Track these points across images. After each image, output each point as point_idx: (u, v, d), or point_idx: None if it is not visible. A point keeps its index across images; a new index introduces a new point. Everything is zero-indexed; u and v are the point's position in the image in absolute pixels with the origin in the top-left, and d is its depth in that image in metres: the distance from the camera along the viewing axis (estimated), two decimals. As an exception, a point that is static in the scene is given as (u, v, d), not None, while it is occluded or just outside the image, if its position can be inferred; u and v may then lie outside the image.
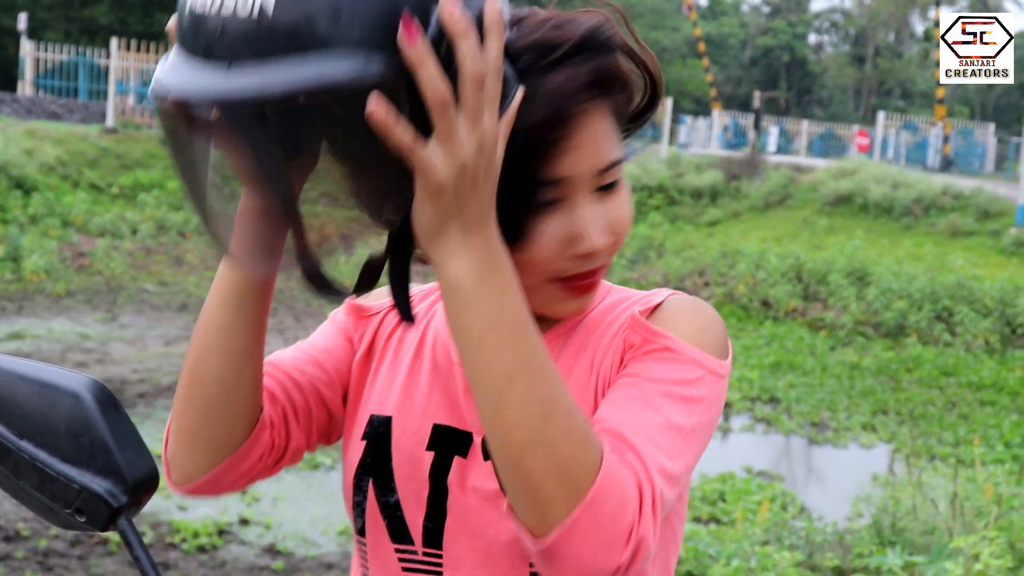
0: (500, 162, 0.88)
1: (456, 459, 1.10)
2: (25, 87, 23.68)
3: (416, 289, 1.24)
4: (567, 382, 1.04)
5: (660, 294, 1.11)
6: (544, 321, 1.10)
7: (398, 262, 0.94)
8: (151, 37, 27.91)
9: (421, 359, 1.17)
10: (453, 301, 0.88)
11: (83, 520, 0.78)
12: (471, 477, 1.09)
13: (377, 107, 0.80)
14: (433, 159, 0.83)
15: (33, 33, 26.79)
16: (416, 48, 0.80)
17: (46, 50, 24.06)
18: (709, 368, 1.02)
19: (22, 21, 24.94)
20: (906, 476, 6.04)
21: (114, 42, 22.24)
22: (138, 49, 23.13)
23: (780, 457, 7.86)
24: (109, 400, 0.79)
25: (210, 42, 0.82)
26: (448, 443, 1.11)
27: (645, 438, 0.94)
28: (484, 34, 0.84)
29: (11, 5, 33.60)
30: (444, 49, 0.82)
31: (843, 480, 7.13)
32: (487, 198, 0.87)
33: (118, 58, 22.08)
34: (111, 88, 21.45)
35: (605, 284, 1.15)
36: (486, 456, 1.07)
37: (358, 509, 1.14)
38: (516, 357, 0.87)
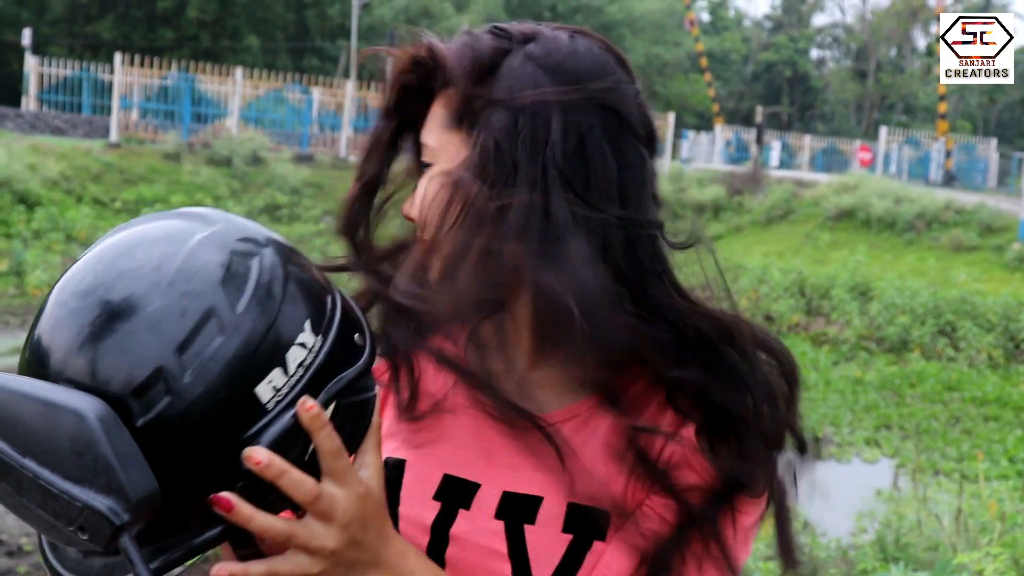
0: (380, 488, 0.92)
1: (460, 512, 1.08)
2: (29, 102, 23.77)
3: None
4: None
5: None
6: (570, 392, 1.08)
7: None
8: (155, 52, 28.02)
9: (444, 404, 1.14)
10: None
11: (85, 538, 0.78)
12: (474, 532, 1.07)
13: (221, 571, 0.86)
14: (302, 566, 0.88)
15: (37, 48, 26.89)
16: (237, 514, 0.84)
17: (50, 65, 24.14)
18: None
19: (26, 37, 25.05)
20: (910, 491, 6.04)
21: (118, 57, 22.32)
22: (142, 64, 23.21)
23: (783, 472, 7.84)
24: (112, 418, 0.78)
25: None
26: (456, 495, 1.08)
27: None
28: (310, 435, 0.86)
29: (15, 21, 33.74)
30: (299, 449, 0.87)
31: (847, 495, 7.10)
32: (374, 540, 0.91)
33: (122, 73, 22.16)
34: (115, 103, 21.53)
35: None
36: (498, 515, 1.05)
37: None
38: None
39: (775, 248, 18.31)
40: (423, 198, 1.06)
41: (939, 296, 12.95)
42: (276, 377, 0.84)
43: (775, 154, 31.00)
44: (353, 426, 0.90)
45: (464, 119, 1.04)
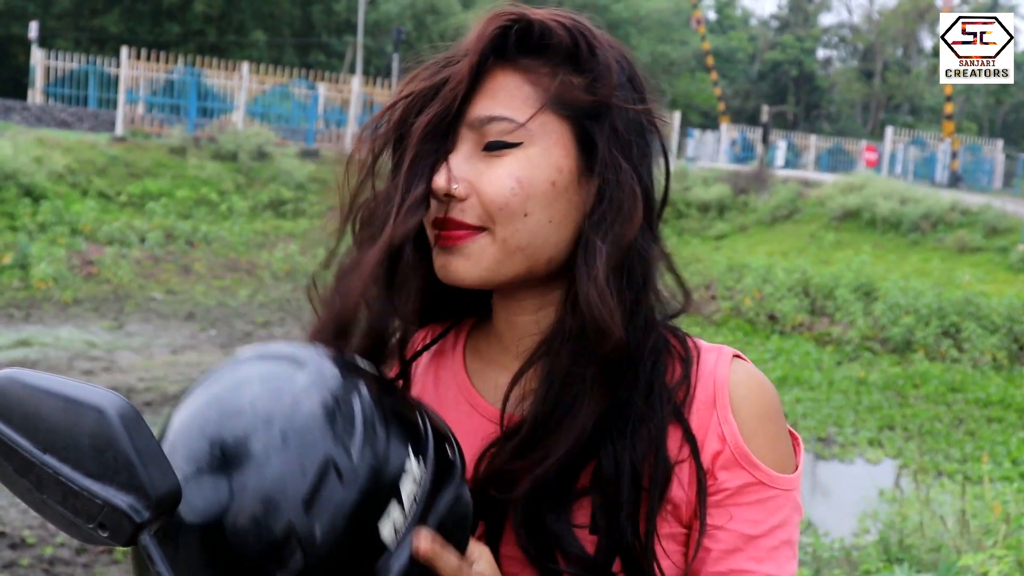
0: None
1: (480, 523, 1.04)
2: (35, 95, 23.77)
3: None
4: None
5: (721, 363, 1.07)
6: None
7: None
8: (161, 46, 28.02)
9: (451, 405, 1.11)
10: None
11: (106, 535, 0.78)
12: (501, 543, 1.03)
13: None
14: None
15: (44, 42, 26.89)
16: None
17: (56, 58, 24.14)
18: (791, 497, 1.03)
19: (33, 30, 25.06)
20: (913, 492, 6.03)
21: (124, 51, 22.31)
22: (148, 58, 23.20)
23: (786, 472, 7.83)
24: (133, 416, 0.78)
25: None
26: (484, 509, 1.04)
27: None
28: (430, 565, 0.88)
29: (22, 14, 33.75)
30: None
31: (850, 496, 7.10)
32: None
33: (128, 67, 22.15)
34: (121, 97, 21.52)
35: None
36: (522, 522, 1.01)
37: None
38: None
39: (779, 248, 18.29)
40: (519, 180, 0.97)
41: (943, 297, 12.93)
42: (394, 512, 0.87)
43: (780, 154, 30.93)
44: (460, 533, 0.92)
45: (568, 105, 0.98)
